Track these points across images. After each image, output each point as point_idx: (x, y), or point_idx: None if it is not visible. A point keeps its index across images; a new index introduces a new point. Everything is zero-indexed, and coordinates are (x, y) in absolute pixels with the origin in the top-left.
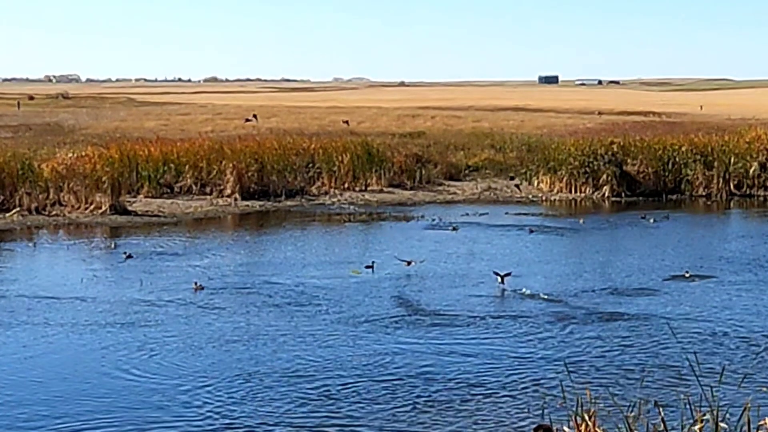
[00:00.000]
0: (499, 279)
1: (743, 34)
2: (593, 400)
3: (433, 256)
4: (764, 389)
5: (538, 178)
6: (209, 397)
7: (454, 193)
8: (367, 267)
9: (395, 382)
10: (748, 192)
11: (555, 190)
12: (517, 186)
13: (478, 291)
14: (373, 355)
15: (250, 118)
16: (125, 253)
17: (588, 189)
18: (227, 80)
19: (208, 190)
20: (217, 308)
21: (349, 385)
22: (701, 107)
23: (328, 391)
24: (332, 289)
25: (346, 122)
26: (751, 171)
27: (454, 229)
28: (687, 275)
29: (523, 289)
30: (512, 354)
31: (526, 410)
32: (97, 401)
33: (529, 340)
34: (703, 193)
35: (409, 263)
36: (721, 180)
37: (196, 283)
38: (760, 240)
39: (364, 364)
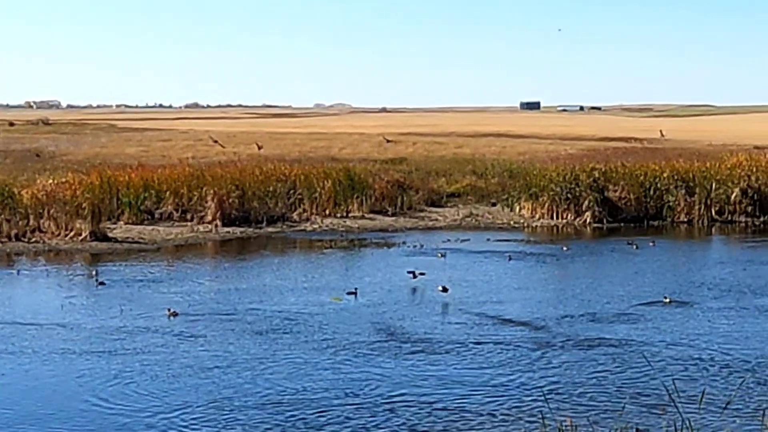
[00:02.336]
0: (413, 276)
1: (724, 61)
2: (574, 428)
3: (412, 282)
4: (741, 418)
5: (519, 204)
6: (184, 426)
7: (436, 219)
8: (350, 293)
9: (375, 409)
10: (729, 218)
11: (537, 216)
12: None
13: (457, 318)
14: (353, 382)
15: (215, 141)
16: (98, 280)
17: (570, 215)
18: (209, 106)
19: (188, 216)
20: (196, 335)
21: (329, 413)
22: None
23: (307, 418)
24: (312, 316)
25: (389, 140)
26: (732, 197)
27: (442, 255)
28: (667, 301)
29: (504, 316)
30: (492, 381)
31: None
32: (70, 429)
33: (509, 367)
34: (685, 219)
35: (415, 276)
36: (702, 206)
37: (169, 310)
38: (740, 266)
39: (343, 391)
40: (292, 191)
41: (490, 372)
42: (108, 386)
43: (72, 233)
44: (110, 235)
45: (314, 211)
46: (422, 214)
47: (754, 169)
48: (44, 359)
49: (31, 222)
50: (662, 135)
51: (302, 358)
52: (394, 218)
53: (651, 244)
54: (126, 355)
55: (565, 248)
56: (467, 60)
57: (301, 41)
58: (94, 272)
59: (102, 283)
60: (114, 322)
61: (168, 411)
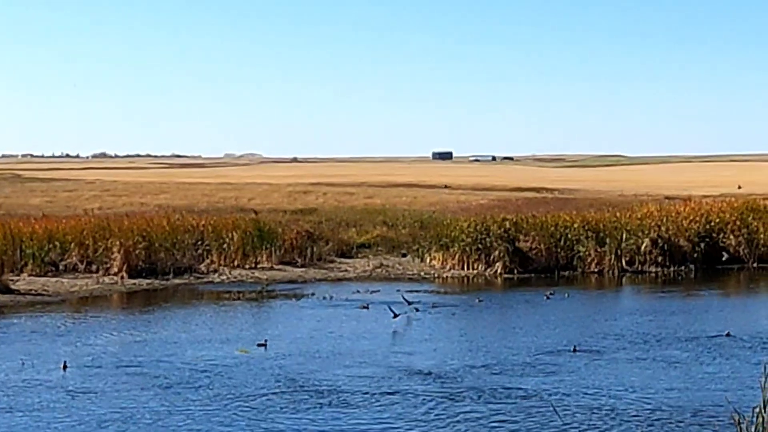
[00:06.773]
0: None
1: (636, 112)
2: None
3: (318, 335)
4: None
5: (430, 254)
6: None
7: (346, 270)
8: (260, 345)
9: None
10: (639, 268)
11: (447, 267)
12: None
13: (364, 370)
14: None
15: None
16: None
17: (480, 266)
18: (117, 156)
19: (94, 268)
20: (95, 390)
21: None
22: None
23: None
24: (218, 369)
25: (446, 186)
26: (642, 247)
27: (365, 307)
28: (574, 351)
29: (412, 367)
30: None
31: None
32: None
33: (415, 419)
34: (596, 270)
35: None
36: (613, 256)
37: (65, 363)
38: (649, 316)
39: None
40: (200, 242)
41: (397, 425)
42: None
43: None
44: (13, 287)
45: (222, 262)
46: (332, 265)
47: (665, 219)
48: None
49: None
50: (739, 188)
51: (204, 412)
52: (303, 269)
53: (566, 295)
54: (21, 412)
55: (479, 300)
56: (379, 109)
57: (211, 90)
58: None
59: None
60: (11, 377)
61: None
